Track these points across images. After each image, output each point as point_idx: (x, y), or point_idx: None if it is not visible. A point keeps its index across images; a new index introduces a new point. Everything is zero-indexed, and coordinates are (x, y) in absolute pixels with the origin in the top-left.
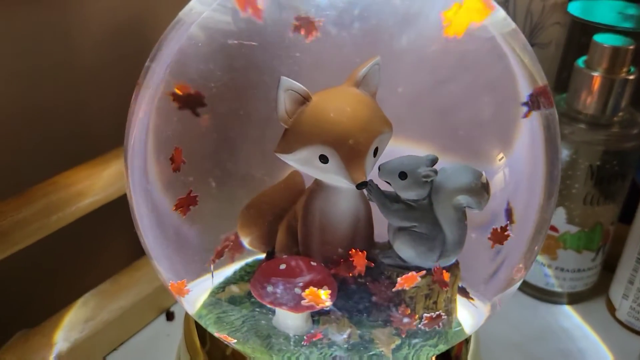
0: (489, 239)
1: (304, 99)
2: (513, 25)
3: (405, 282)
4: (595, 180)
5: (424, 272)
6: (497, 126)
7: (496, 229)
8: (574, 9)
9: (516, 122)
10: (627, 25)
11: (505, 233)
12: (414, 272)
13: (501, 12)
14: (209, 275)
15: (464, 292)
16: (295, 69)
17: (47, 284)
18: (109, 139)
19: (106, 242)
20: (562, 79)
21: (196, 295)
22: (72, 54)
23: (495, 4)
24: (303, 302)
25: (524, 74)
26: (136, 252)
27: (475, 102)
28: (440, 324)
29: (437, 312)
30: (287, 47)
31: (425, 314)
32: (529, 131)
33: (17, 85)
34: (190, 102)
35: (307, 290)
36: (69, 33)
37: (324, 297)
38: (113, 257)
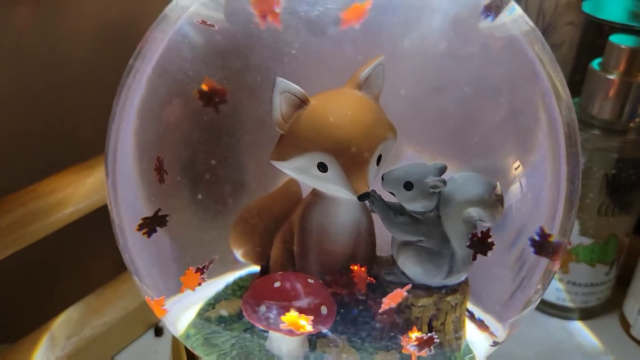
0: (468, 246)
1: (302, 102)
2: (531, 23)
3: (391, 300)
4: (611, 190)
5: (409, 286)
6: (513, 131)
7: (475, 233)
8: (588, 7)
9: (534, 128)
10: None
11: (489, 240)
12: (399, 289)
13: (518, 9)
14: (192, 293)
15: (482, 325)
16: (292, 70)
17: (27, 298)
18: (93, 144)
19: (90, 254)
20: (575, 81)
21: (178, 314)
22: (57, 56)
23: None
24: (282, 326)
25: (544, 73)
26: (122, 264)
27: (489, 106)
28: (432, 348)
29: (429, 335)
30: (284, 46)
31: (415, 335)
32: (547, 138)
33: None
34: (213, 99)
35: (285, 316)
36: (54, 34)
37: (303, 322)
38: (98, 269)
